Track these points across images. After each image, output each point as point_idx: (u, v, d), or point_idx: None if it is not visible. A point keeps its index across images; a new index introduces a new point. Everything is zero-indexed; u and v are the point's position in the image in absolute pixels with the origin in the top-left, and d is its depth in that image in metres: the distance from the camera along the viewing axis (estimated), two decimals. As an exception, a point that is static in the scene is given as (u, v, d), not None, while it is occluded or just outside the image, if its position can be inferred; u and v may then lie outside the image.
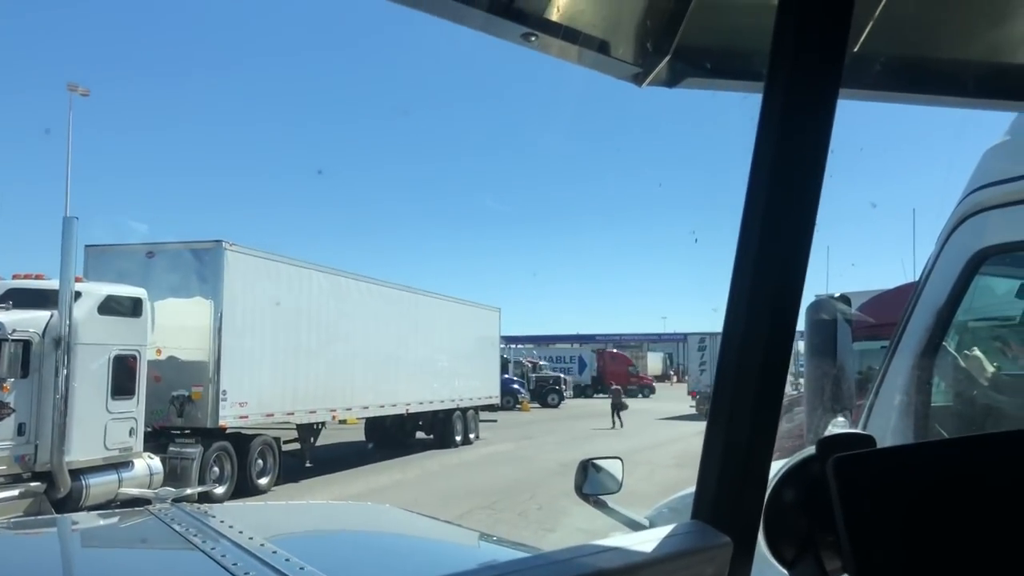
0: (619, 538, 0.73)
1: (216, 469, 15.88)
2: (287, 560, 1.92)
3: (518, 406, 42.88)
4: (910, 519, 0.78)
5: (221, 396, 15.75)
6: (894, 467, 0.81)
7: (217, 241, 16.21)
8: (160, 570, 2.33)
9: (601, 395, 61.45)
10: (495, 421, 32.28)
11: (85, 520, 4.33)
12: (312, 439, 19.65)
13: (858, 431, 1.24)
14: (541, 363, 57.64)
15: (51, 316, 12.49)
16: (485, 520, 13.20)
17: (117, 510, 2.88)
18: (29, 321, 12.31)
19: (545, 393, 50.58)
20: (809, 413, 2.03)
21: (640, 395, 60.66)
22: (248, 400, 16.51)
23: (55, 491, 12.49)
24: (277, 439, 17.82)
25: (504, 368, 38.14)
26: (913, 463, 0.84)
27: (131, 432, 13.83)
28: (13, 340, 11.82)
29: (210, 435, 15.74)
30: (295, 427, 19.00)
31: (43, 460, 12.34)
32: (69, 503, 12.69)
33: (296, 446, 19.21)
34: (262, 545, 2.12)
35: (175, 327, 15.85)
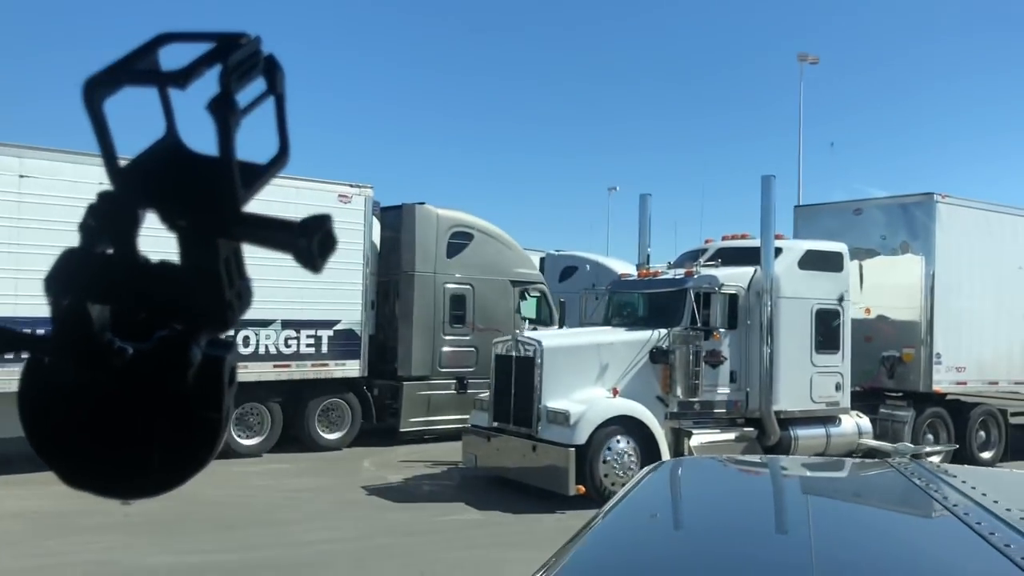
0: None
1: (930, 436, 14.82)
2: None
3: None
4: None
5: (935, 359, 14.64)
6: None
7: (928, 194, 15.10)
8: (899, 517, 2.46)
9: None
10: None
11: (823, 465, 4.75)
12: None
13: None
14: None
15: (754, 271, 13.12)
16: None
17: (858, 459, 3.15)
18: (736, 276, 13.12)
19: None
20: None
21: None
22: (966, 365, 15.02)
23: (765, 438, 13.08)
24: (1003, 411, 15.84)
25: None
26: None
27: (837, 387, 13.72)
28: (721, 293, 12.69)
29: (923, 399, 14.75)
30: (1026, 399, 16.65)
31: (752, 407, 13.03)
32: (778, 451, 13.15)
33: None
34: (1022, 519, 1.92)
35: (884, 285, 15.28)
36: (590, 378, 12.14)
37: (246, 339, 14.23)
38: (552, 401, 11.72)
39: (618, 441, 11.65)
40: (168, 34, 0.71)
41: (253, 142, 0.72)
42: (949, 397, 15.07)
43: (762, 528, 2.28)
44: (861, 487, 3.05)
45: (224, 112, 0.66)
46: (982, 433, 15.53)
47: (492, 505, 11.21)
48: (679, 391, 12.36)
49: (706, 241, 14.97)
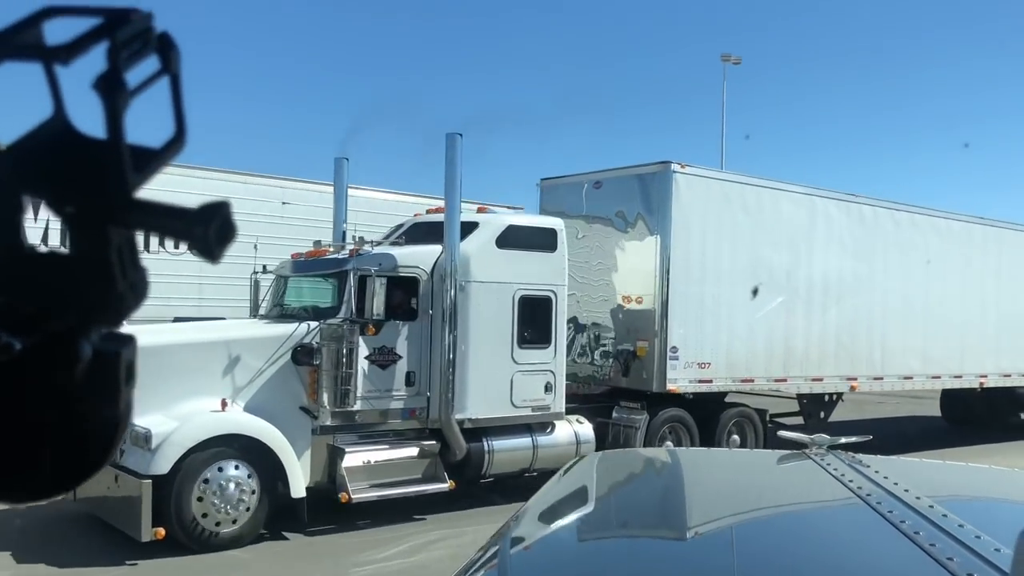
0: None
1: (669, 442, 12.79)
2: (960, 526, 1.74)
3: None
4: None
5: (670, 354, 12.60)
6: None
7: (664, 162, 12.99)
8: (814, 506, 2.49)
9: None
10: None
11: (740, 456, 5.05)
12: (822, 414, 15.27)
13: None
14: None
15: (442, 250, 10.74)
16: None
17: (775, 450, 3.08)
18: (417, 256, 10.70)
19: None
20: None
21: None
22: (712, 361, 13.06)
23: (451, 453, 10.75)
24: (762, 411, 14.02)
25: None
26: None
27: (547, 388, 11.47)
28: (389, 276, 10.21)
29: (660, 400, 12.73)
30: (795, 397, 14.95)
31: (435, 415, 10.66)
32: (468, 470, 10.88)
33: (799, 420, 15.10)
34: (931, 507, 1.92)
35: (623, 268, 13.23)
36: (207, 386, 9.46)
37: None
38: (144, 417, 9.04)
39: (220, 470, 9.07)
40: (53, 7, 0.64)
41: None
42: (688, 395, 13.08)
43: (680, 519, 2.36)
44: (778, 477, 3.03)
45: (112, 91, 0.60)
46: (736, 437, 13.63)
47: (39, 557, 8.47)
48: (325, 399, 9.87)
49: (415, 215, 12.52)
